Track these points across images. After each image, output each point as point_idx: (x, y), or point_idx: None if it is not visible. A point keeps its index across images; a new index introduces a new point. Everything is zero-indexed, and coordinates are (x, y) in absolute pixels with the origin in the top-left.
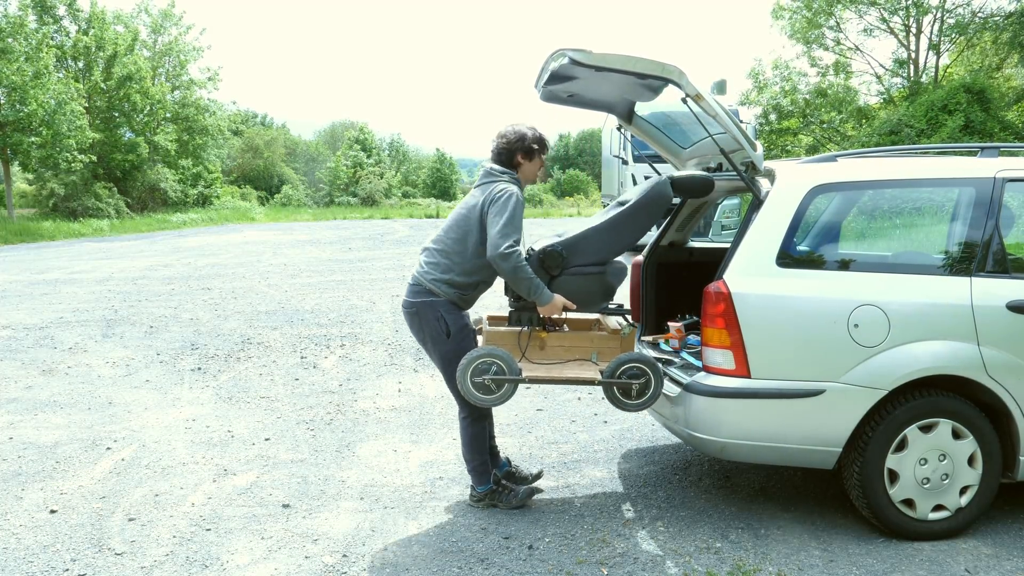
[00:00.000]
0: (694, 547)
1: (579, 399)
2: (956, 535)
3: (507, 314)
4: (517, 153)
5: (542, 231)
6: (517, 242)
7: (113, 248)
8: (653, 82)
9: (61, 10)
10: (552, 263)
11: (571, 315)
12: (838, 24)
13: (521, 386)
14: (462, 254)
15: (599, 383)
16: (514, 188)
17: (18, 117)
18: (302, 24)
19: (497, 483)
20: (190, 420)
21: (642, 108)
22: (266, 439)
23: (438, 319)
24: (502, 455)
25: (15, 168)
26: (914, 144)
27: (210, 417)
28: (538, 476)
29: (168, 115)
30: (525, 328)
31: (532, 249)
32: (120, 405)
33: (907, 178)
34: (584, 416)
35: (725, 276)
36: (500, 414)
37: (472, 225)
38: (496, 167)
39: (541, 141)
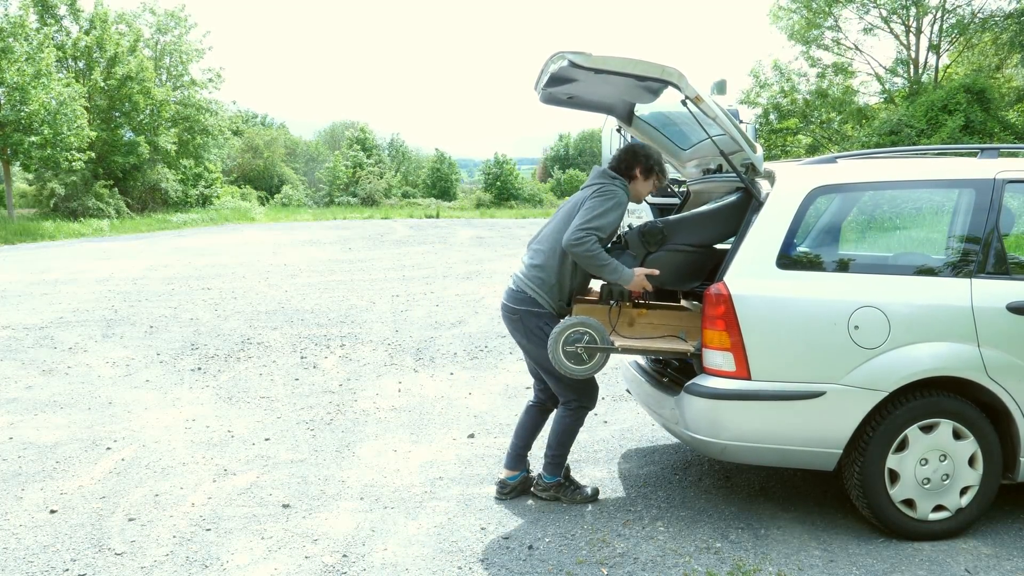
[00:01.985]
0: (694, 547)
1: None
2: (956, 535)
3: (598, 289)
4: (637, 167)
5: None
6: (590, 233)
7: (113, 248)
8: (652, 84)
9: (62, 10)
10: (651, 239)
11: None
12: (837, 24)
13: (522, 386)
14: (564, 258)
15: (691, 356)
16: (621, 193)
17: (18, 117)
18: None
19: (566, 477)
20: (190, 420)
21: (642, 109)
22: (266, 439)
23: (540, 328)
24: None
25: (15, 168)
26: (914, 144)
27: (210, 417)
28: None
29: (170, 115)
30: (614, 303)
31: (630, 226)
32: (120, 405)
33: (907, 179)
34: None
35: (725, 278)
36: (500, 414)
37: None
38: (611, 171)
39: (662, 167)
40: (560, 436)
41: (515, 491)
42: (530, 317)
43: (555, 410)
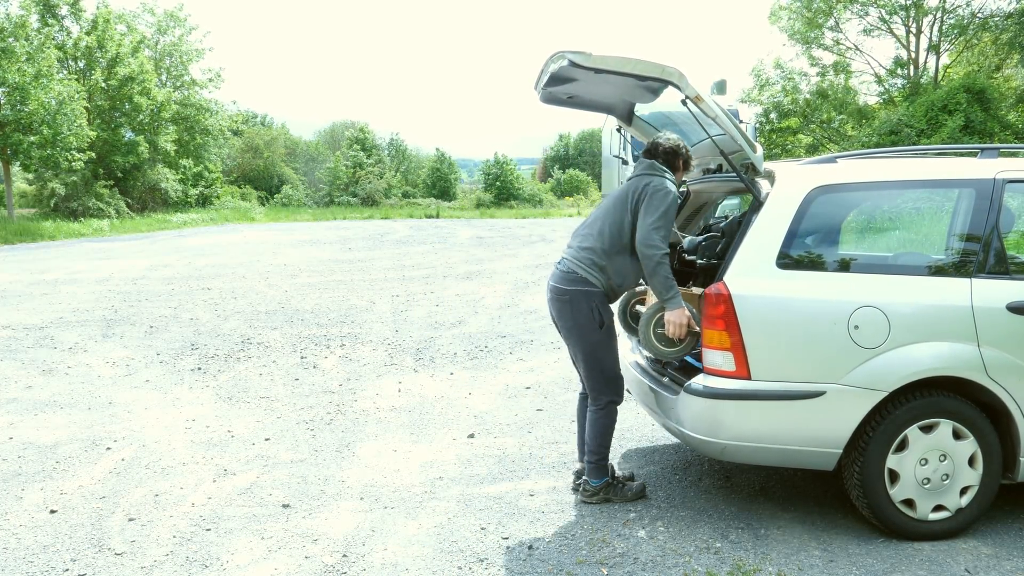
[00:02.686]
0: (694, 547)
1: None
2: (956, 535)
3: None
4: (680, 159)
5: (542, 230)
6: (665, 239)
7: (113, 248)
8: (652, 84)
9: (63, 10)
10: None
11: None
12: (837, 24)
13: (522, 386)
14: (615, 242)
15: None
16: (672, 186)
17: (18, 117)
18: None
19: (612, 477)
20: (190, 420)
21: (642, 109)
22: (266, 439)
23: (592, 309)
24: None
25: (15, 168)
26: (914, 144)
27: (210, 417)
28: (630, 478)
29: (170, 115)
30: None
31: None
32: (120, 405)
33: (907, 179)
34: None
35: (725, 278)
36: (500, 414)
37: (624, 214)
38: (659, 163)
39: (690, 161)
40: (598, 438)
41: (622, 478)
42: (581, 297)
43: (587, 413)
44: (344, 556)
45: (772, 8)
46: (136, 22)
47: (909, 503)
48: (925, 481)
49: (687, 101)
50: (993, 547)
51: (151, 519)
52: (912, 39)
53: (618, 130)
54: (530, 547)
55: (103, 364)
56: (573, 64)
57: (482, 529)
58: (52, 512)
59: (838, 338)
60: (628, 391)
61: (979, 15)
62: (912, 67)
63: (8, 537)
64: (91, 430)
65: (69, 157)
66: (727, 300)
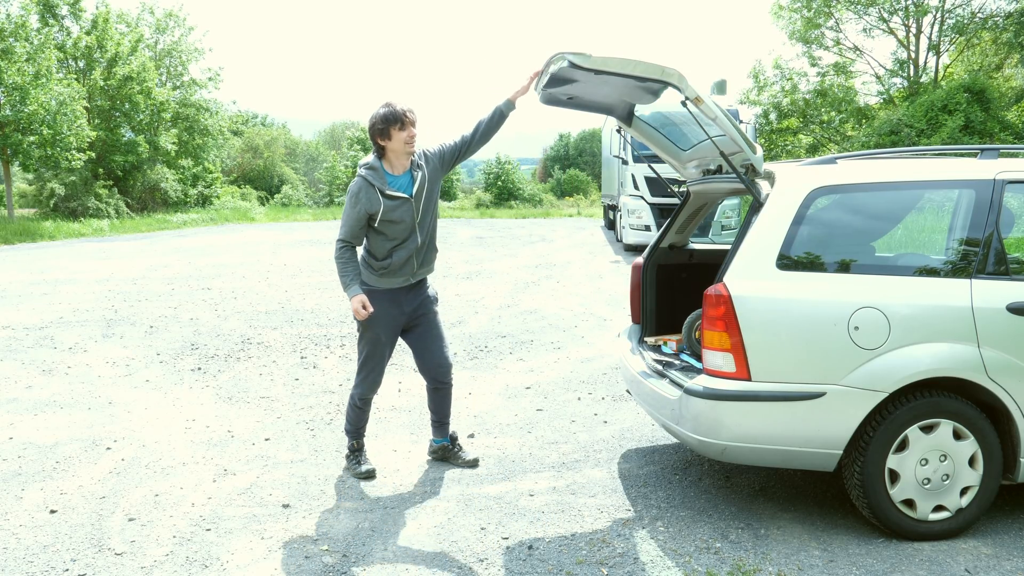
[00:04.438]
0: (694, 547)
1: (579, 399)
2: (956, 535)
3: None
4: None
5: (542, 231)
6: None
7: (113, 248)
8: (653, 85)
9: (63, 10)
10: None
11: None
12: (837, 24)
13: (522, 386)
14: None
15: None
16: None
17: (18, 117)
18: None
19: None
20: (190, 420)
21: (642, 110)
22: (266, 439)
23: None
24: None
25: (15, 168)
26: (914, 144)
27: (210, 417)
28: (472, 463)
29: (169, 115)
30: None
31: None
32: (120, 405)
33: (907, 180)
34: (584, 416)
35: (725, 279)
36: (500, 414)
37: None
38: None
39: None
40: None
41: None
42: None
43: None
44: (344, 556)
45: (772, 8)
46: (136, 23)
47: (909, 503)
48: (925, 481)
49: (687, 102)
50: (993, 547)
51: (151, 519)
52: (912, 39)
53: (618, 131)
54: (530, 547)
55: (103, 364)
56: (573, 65)
57: (482, 529)
58: (52, 512)
59: (838, 339)
60: (628, 391)
61: (979, 15)
62: (912, 67)
63: (8, 537)
64: (91, 430)
65: (69, 157)
66: (727, 301)
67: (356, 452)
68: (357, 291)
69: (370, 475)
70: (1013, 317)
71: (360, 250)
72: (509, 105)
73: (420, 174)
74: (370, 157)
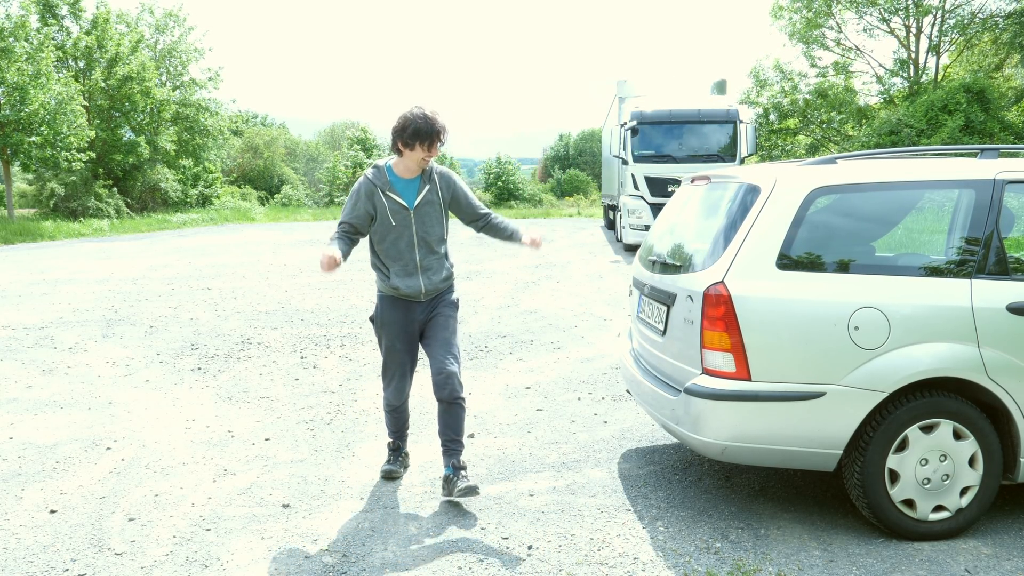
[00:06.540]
0: (694, 547)
1: (579, 399)
2: (956, 535)
3: None
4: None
5: (542, 231)
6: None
7: (113, 248)
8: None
9: (63, 9)
10: None
11: None
12: (838, 24)
13: (522, 386)
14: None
15: None
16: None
17: (18, 117)
18: (302, 24)
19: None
20: (190, 420)
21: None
22: (266, 439)
23: None
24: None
25: (15, 168)
26: (914, 144)
27: (210, 417)
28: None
29: (169, 115)
30: None
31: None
32: (120, 405)
33: (907, 180)
34: (584, 416)
35: (725, 279)
36: (500, 414)
37: None
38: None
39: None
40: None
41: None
42: None
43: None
44: (344, 556)
45: (772, 7)
46: (136, 23)
47: (909, 503)
48: (925, 481)
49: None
50: (993, 547)
51: (151, 519)
52: (912, 39)
53: (621, 126)
54: (530, 547)
55: (103, 364)
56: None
57: (482, 529)
58: (52, 512)
59: (838, 339)
60: (628, 391)
61: (979, 15)
62: (912, 67)
63: (8, 537)
64: (91, 430)
65: (69, 157)
66: (727, 301)
67: (392, 451)
68: (332, 246)
69: (387, 475)
70: (1013, 317)
71: (370, 256)
72: (518, 236)
73: (428, 187)
74: (381, 161)
